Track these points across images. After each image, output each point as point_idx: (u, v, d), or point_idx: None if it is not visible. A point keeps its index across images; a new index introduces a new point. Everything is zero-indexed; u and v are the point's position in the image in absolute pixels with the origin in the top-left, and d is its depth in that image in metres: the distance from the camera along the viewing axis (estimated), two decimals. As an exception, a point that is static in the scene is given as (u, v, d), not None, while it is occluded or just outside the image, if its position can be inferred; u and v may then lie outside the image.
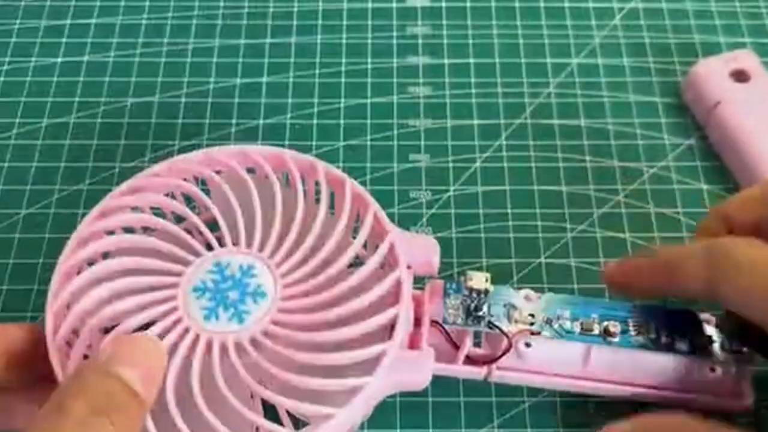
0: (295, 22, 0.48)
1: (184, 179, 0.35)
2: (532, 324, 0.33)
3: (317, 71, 0.46)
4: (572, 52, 0.47)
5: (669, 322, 0.34)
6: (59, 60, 0.46)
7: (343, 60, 0.47)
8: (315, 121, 0.44)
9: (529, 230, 0.40)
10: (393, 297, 0.31)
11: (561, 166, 0.42)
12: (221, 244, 0.33)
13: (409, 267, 0.32)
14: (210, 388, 0.29)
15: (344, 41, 0.47)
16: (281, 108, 0.44)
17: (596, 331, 0.33)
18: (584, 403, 0.35)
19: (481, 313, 0.33)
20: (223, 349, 0.30)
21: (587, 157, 0.43)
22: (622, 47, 0.47)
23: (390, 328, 0.31)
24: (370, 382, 0.29)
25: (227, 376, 0.29)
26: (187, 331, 0.30)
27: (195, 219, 0.33)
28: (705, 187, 0.42)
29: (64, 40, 0.47)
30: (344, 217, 0.33)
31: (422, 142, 0.43)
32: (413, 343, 0.33)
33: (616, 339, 0.33)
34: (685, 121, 0.44)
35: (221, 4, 0.49)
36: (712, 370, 0.33)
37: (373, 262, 0.32)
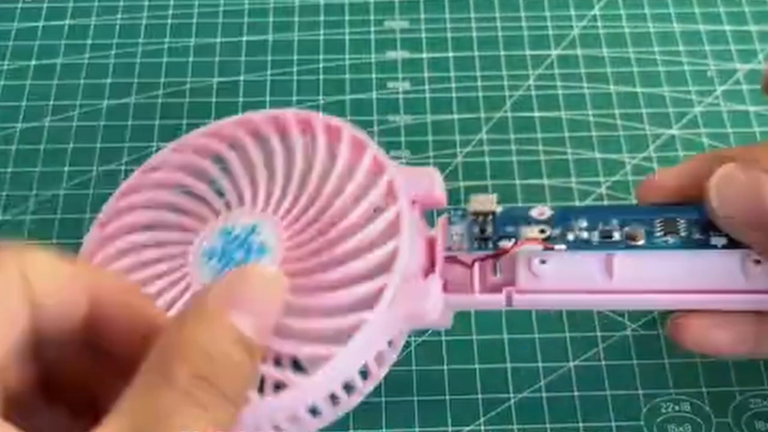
0: (271, 19, 0.48)
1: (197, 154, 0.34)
2: (545, 239, 0.30)
3: (295, 68, 0.46)
4: (552, 43, 0.47)
5: (700, 217, 0.30)
6: (32, 63, 0.46)
7: (321, 56, 0.46)
8: (294, 119, 0.44)
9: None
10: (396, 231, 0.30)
11: (542, 159, 0.42)
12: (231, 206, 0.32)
13: (414, 202, 0.31)
14: None
15: (322, 37, 0.47)
16: (260, 106, 0.44)
17: (617, 237, 0.30)
18: (571, 398, 0.35)
19: (486, 236, 0.31)
20: None
21: (569, 150, 0.43)
22: (602, 38, 0.47)
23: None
24: (369, 317, 0.28)
25: None
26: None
27: (201, 186, 0.33)
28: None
29: (36, 42, 0.47)
30: (340, 161, 0.31)
31: (403, 138, 0.43)
32: None
33: (641, 242, 0.30)
34: (666, 111, 0.44)
35: (196, 2, 0.48)
36: (757, 261, 0.29)
37: (372, 197, 0.30)
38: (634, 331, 0.37)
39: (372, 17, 0.48)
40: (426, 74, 0.46)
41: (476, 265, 0.31)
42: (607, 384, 0.36)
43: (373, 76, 0.45)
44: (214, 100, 0.44)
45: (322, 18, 0.48)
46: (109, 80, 0.45)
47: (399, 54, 0.46)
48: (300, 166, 0.32)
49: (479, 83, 0.45)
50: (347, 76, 0.45)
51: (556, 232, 0.30)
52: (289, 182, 0.32)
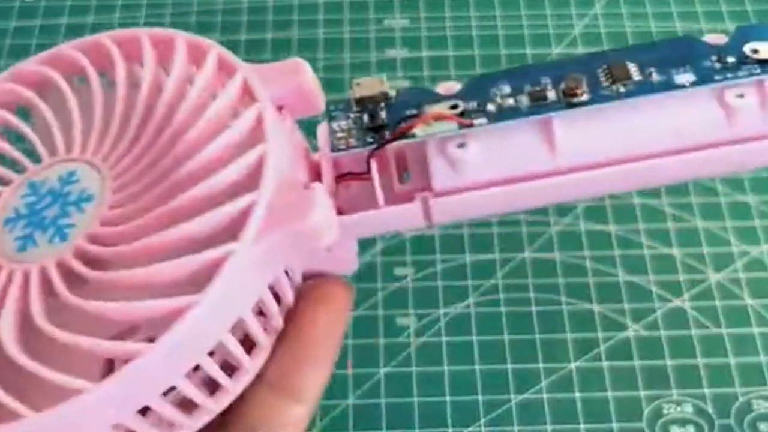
0: (270, 18, 0.48)
1: None
2: (459, 115, 0.23)
3: (294, 67, 0.45)
4: (552, 42, 0.46)
5: (657, 56, 0.23)
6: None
7: (320, 55, 0.46)
8: (293, 118, 0.43)
9: (511, 225, 0.40)
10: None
11: (543, 159, 0.42)
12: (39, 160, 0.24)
13: (281, 108, 0.23)
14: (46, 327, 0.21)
15: (321, 36, 0.47)
16: (258, 105, 0.44)
17: (552, 97, 0.23)
18: (572, 399, 0.35)
19: (379, 123, 0.24)
20: (44, 277, 0.22)
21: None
22: (603, 37, 0.46)
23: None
24: (235, 248, 0.20)
25: (61, 306, 0.21)
26: None
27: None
28: (689, 176, 0.41)
29: (34, 41, 0.47)
30: (197, 88, 0.23)
31: (402, 137, 0.43)
32: None
33: (584, 97, 0.23)
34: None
35: (195, 0, 0.48)
36: (740, 96, 0.23)
37: (223, 102, 0.23)
38: (635, 331, 0.37)
39: (372, 15, 0.47)
40: (426, 73, 0.45)
41: (374, 169, 0.23)
42: (609, 385, 0.36)
43: (373, 74, 0.45)
44: (212, 99, 0.44)
45: (321, 16, 0.47)
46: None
47: (399, 52, 0.46)
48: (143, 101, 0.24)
49: (480, 82, 0.45)
50: (347, 75, 0.45)
51: (472, 104, 0.23)
52: (112, 119, 0.24)
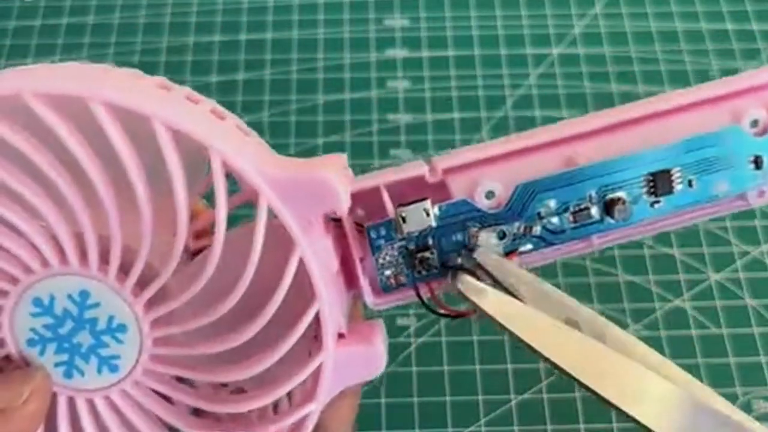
0: (270, 18, 0.48)
1: None
2: (506, 243, 0.24)
3: (294, 67, 0.45)
4: (552, 42, 0.46)
5: (701, 154, 0.24)
6: (29, 62, 0.46)
7: (320, 55, 0.46)
8: (293, 119, 0.43)
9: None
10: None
11: (543, 159, 0.42)
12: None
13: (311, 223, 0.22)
14: None
15: (321, 36, 0.47)
16: (259, 105, 0.44)
17: (595, 215, 0.24)
18: (572, 399, 0.35)
19: (428, 255, 0.24)
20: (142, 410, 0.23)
21: (570, 149, 0.42)
22: (603, 37, 0.46)
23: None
24: (312, 410, 0.23)
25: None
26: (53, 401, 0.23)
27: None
28: (689, 176, 0.41)
29: (33, 41, 0.47)
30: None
31: (402, 137, 0.43)
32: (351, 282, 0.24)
33: (624, 214, 0.24)
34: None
35: (195, 1, 0.48)
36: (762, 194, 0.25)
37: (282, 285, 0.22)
38: (636, 331, 0.37)
39: (372, 15, 0.47)
40: (426, 73, 0.45)
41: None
42: (609, 385, 0.35)
43: (373, 74, 0.45)
44: (213, 99, 0.44)
45: (321, 16, 0.47)
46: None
47: (399, 52, 0.46)
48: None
49: (480, 82, 0.45)
50: (347, 74, 0.45)
51: (519, 227, 0.24)
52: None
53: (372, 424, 0.35)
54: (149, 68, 0.45)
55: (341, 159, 0.23)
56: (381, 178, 0.23)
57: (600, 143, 0.24)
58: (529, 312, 0.23)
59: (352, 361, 0.23)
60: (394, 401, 0.35)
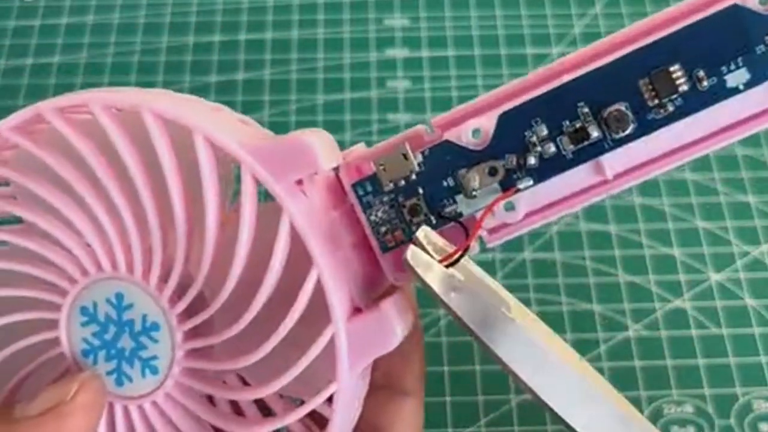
0: (270, 18, 0.47)
1: None
2: (498, 181, 0.22)
3: (294, 67, 0.45)
4: (552, 42, 0.46)
5: (702, 47, 0.21)
6: (29, 62, 0.46)
7: (320, 55, 0.46)
8: (293, 118, 0.43)
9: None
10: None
11: (543, 159, 0.42)
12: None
13: (300, 182, 0.22)
14: None
15: (321, 36, 0.47)
16: (258, 105, 0.44)
17: (595, 134, 0.21)
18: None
19: (416, 202, 0.23)
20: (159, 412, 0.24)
21: (570, 149, 0.42)
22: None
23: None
24: (335, 390, 0.23)
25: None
26: (111, 410, 0.24)
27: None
28: (690, 177, 0.41)
29: (33, 41, 0.47)
30: (209, 185, 0.22)
31: (402, 137, 0.43)
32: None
33: (630, 129, 0.21)
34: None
35: (195, 0, 0.48)
36: None
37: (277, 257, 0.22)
38: (635, 331, 0.37)
39: (371, 15, 0.47)
40: (426, 73, 0.45)
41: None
42: (609, 385, 0.35)
43: (373, 74, 0.45)
44: (212, 99, 0.44)
45: (321, 16, 0.47)
46: (106, 79, 0.45)
47: (399, 52, 0.46)
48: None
49: (479, 82, 0.45)
50: (347, 74, 0.45)
51: (511, 160, 0.22)
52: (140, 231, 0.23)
53: (372, 425, 0.35)
54: (149, 68, 0.45)
55: (325, 133, 0.23)
56: (376, 147, 0.23)
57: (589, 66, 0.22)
58: (475, 290, 0.21)
59: (366, 334, 0.22)
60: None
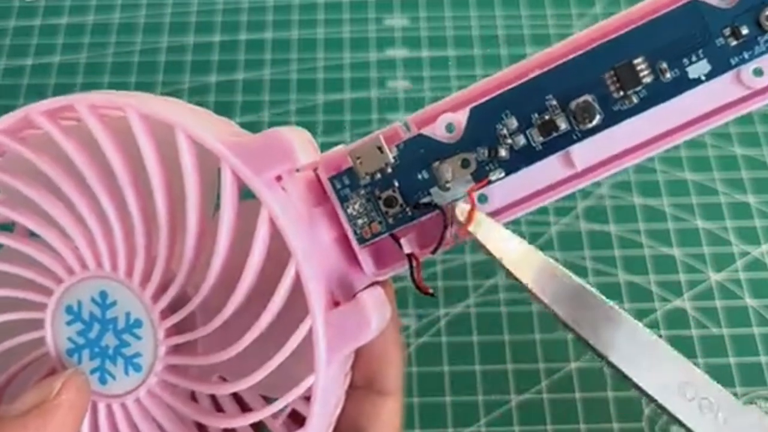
0: (270, 18, 0.47)
1: None
2: (471, 172, 0.23)
3: (294, 67, 0.45)
4: (552, 42, 0.46)
5: (664, 41, 0.22)
6: (29, 62, 0.46)
7: (320, 55, 0.46)
8: (293, 119, 0.43)
9: (511, 224, 0.40)
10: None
11: (543, 159, 0.42)
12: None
13: (279, 178, 0.23)
14: None
15: (321, 36, 0.47)
16: (258, 105, 0.44)
17: (564, 126, 0.22)
18: (572, 399, 0.35)
19: (392, 194, 0.24)
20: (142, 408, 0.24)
21: (570, 149, 0.42)
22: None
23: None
24: (312, 382, 0.23)
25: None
26: (95, 409, 0.24)
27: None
28: (690, 177, 0.41)
29: (34, 41, 0.47)
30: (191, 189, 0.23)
31: (402, 137, 0.43)
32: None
33: (597, 120, 0.22)
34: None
35: (195, 0, 0.48)
36: (759, 72, 0.22)
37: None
38: (635, 331, 0.37)
39: (371, 15, 0.47)
40: (426, 73, 0.45)
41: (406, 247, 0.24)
42: (609, 385, 0.35)
43: (373, 74, 0.45)
44: (212, 99, 0.44)
45: (321, 16, 0.47)
46: (106, 79, 0.45)
47: (399, 52, 0.46)
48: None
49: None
50: (346, 74, 0.45)
51: (482, 152, 0.23)
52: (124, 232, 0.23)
53: (372, 424, 0.35)
54: (149, 68, 0.45)
55: (304, 131, 0.23)
56: (353, 143, 0.24)
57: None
58: (525, 248, 0.23)
59: (343, 324, 0.22)
60: (394, 401, 0.35)
